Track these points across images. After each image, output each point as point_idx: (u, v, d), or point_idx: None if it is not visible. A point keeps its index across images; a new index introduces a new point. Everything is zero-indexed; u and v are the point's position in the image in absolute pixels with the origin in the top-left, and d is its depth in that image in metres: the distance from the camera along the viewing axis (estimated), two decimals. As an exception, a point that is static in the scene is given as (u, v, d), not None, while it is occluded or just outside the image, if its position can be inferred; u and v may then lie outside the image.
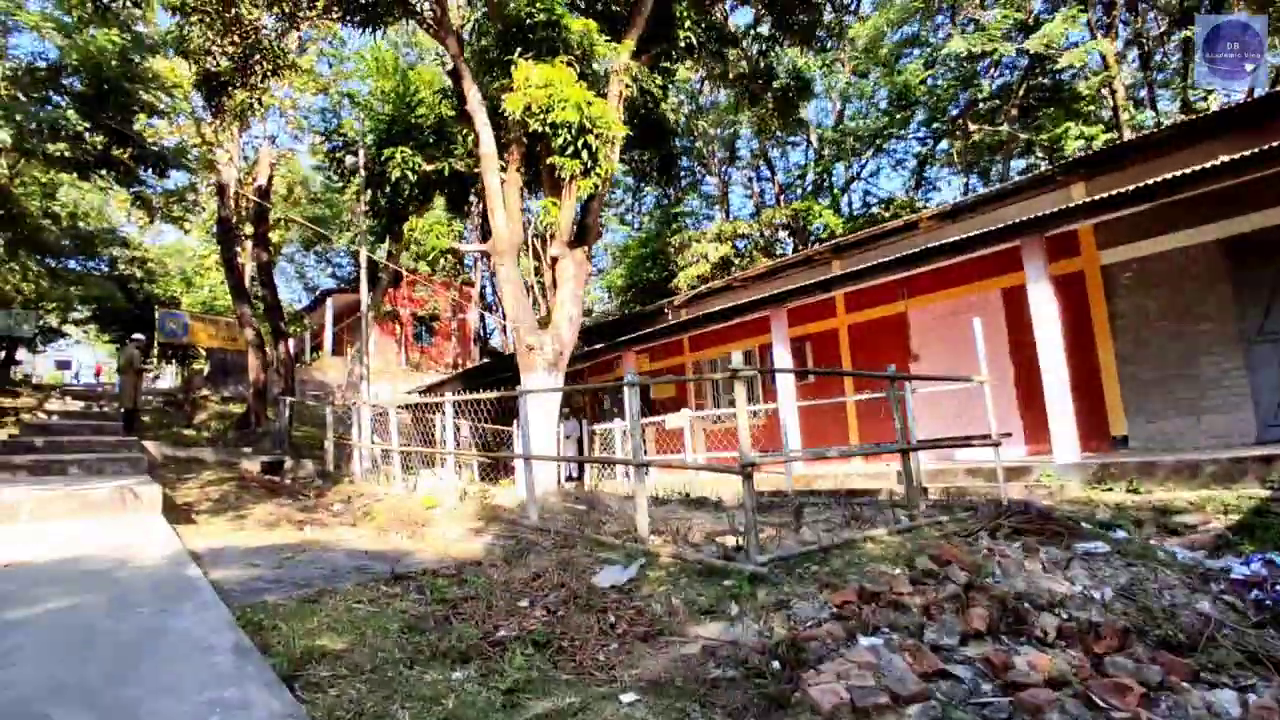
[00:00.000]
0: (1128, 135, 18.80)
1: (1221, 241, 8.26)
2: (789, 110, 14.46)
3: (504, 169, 10.22)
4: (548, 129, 9.02)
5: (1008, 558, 4.28)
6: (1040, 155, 20.32)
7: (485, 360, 35.58)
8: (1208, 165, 6.71)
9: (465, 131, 10.93)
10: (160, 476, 9.81)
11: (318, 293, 39.10)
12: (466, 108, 9.89)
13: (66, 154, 16.74)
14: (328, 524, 7.80)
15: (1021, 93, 21.98)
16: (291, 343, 15.03)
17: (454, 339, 35.76)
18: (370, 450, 12.14)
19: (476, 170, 10.39)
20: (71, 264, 31.64)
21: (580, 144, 9.04)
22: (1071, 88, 20.62)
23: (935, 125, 23.67)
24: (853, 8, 23.64)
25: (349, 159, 13.99)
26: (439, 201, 13.39)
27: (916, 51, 24.17)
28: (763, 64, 14.02)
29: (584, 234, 10.24)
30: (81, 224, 31.04)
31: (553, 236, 9.96)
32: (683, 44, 11.14)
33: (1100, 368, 9.23)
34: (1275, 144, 6.28)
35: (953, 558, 4.13)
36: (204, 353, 25.74)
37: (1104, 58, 18.82)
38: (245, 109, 11.62)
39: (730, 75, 14.33)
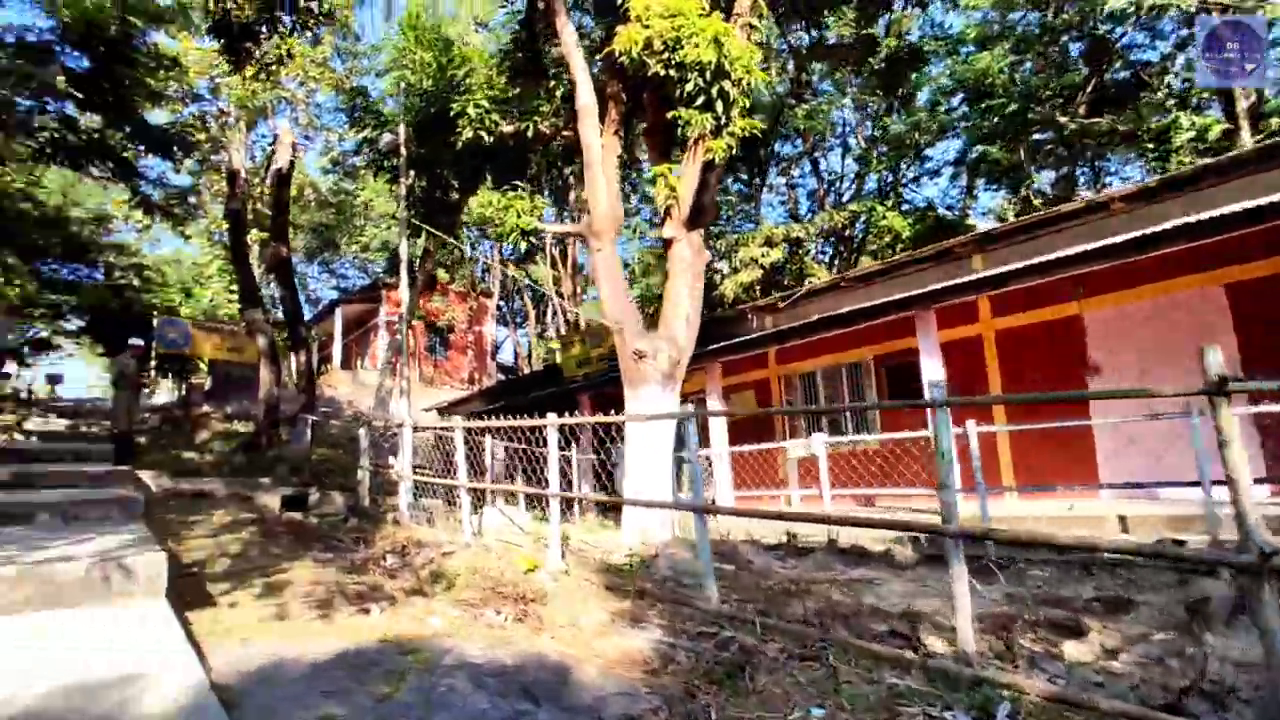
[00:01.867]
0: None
1: None
2: (897, 80, 12.43)
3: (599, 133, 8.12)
4: (672, 72, 6.92)
5: None
6: (1148, 147, 18.25)
7: (506, 377, 33.38)
8: None
9: (546, 89, 8.82)
10: (159, 521, 7.59)
11: (325, 303, 36.95)
12: (561, 48, 7.80)
13: (55, 134, 14.69)
14: (396, 598, 5.57)
15: (1095, 86, 20.08)
16: (304, 354, 12.84)
17: (470, 353, 33.56)
18: (410, 482, 9.92)
19: (565, 132, 8.28)
20: (63, 272, 29.57)
21: (715, 92, 6.94)
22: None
23: (1012, 117, 21.55)
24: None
25: (385, 137, 11.87)
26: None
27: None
28: (866, 29, 12.02)
29: (699, 213, 8.11)
30: (75, 228, 29.00)
31: (666, 216, 7.81)
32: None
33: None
34: None
35: None
36: (205, 365, 23.51)
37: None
38: (273, 61, 9.50)
39: (829, 43, 12.34)
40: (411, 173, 11.37)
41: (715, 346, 11.48)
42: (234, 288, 29.80)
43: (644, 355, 7.53)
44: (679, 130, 7.31)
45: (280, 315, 17.74)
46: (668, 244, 7.96)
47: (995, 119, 21.00)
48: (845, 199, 29.34)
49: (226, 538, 7.20)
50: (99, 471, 8.33)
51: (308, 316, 36.70)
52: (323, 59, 26.77)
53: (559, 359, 15.83)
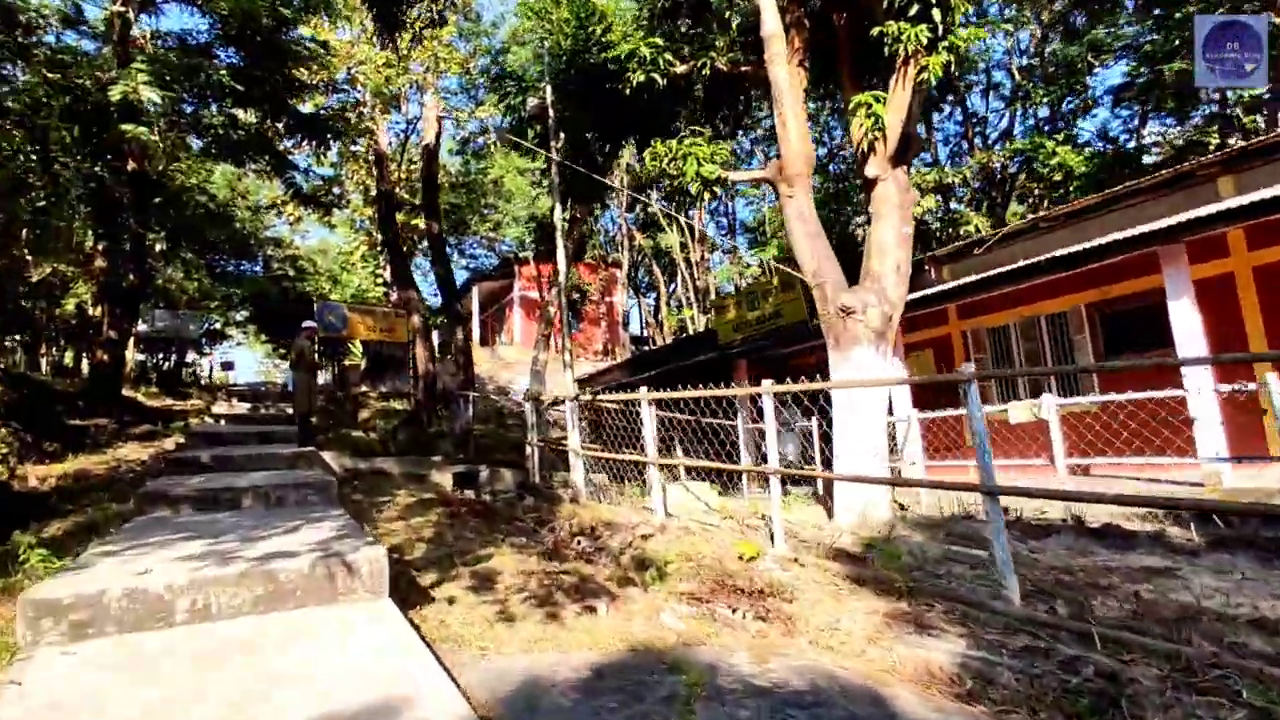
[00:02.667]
0: None
1: None
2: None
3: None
4: (878, -24, 5.86)
5: None
6: None
7: (637, 348, 33.06)
8: None
9: (720, 21, 7.93)
10: (350, 503, 7.48)
11: (460, 282, 37.95)
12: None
13: (219, 129, 15.26)
14: (613, 591, 5.03)
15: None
16: (461, 330, 12.71)
17: (602, 324, 33.45)
18: (583, 458, 9.49)
19: (744, 67, 7.38)
20: (230, 266, 31.74)
21: (929, -4, 5.84)
22: None
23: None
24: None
25: (530, 101, 11.40)
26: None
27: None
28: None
29: (905, 147, 7.02)
30: (238, 225, 30.96)
31: (868, 152, 6.78)
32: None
33: None
34: None
35: None
36: (359, 346, 24.48)
37: None
38: (426, 24, 9.17)
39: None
40: (560, 136, 10.83)
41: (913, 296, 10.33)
42: (379, 272, 31.00)
43: (852, 311, 6.61)
44: (885, 49, 6.26)
45: (431, 294, 18.08)
46: (869, 184, 6.93)
47: (1185, 30, 18.10)
48: (991, 142, 26.68)
49: (417, 520, 6.96)
50: (288, 453, 8.38)
51: (435, 303, 38.03)
52: (448, 41, 27.01)
53: (714, 324, 15.06)
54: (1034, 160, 20.10)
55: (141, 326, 21.04)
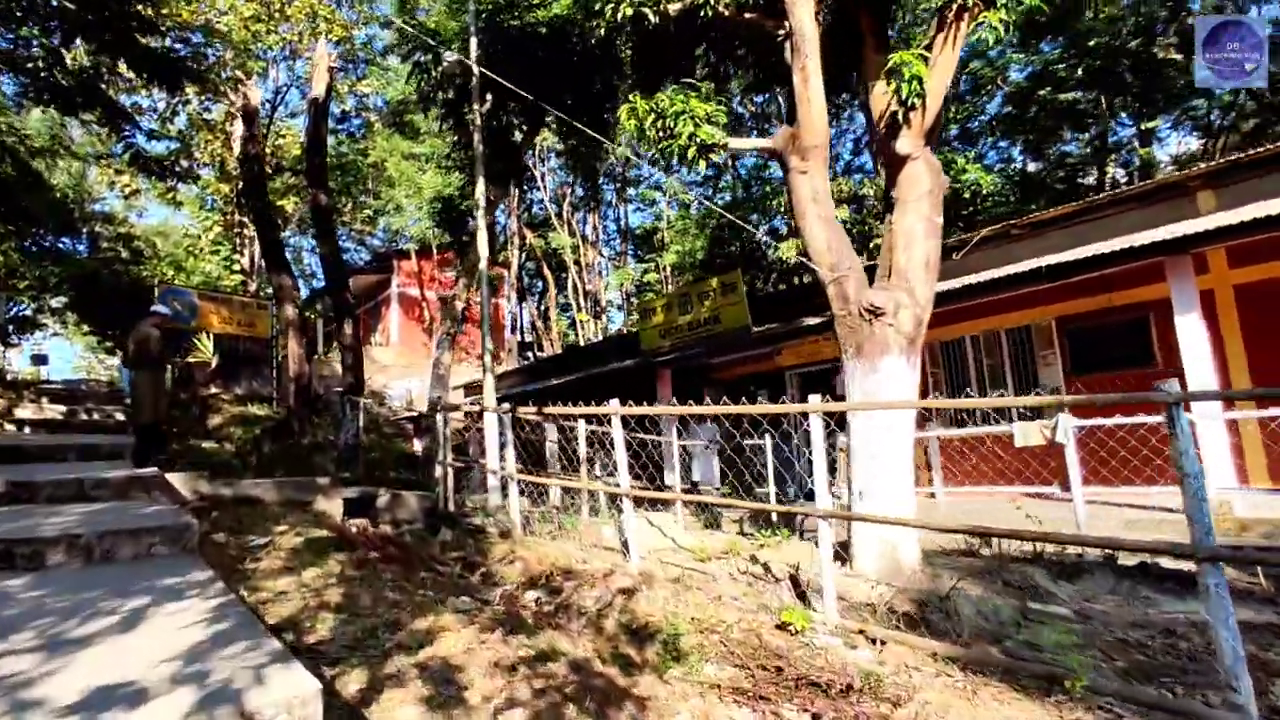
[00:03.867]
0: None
1: None
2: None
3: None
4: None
5: None
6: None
7: (541, 353, 31.18)
8: None
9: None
10: (210, 544, 5.50)
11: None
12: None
13: (37, 67, 12.32)
14: (628, 690, 3.54)
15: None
16: (350, 323, 10.63)
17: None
18: (515, 483, 7.86)
19: (748, 15, 6.09)
20: (47, 242, 27.01)
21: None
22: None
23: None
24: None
25: (447, 56, 9.64)
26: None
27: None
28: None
29: (937, 122, 5.99)
30: (57, 193, 26.46)
31: (899, 125, 5.66)
32: None
33: None
34: None
35: None
36: (206, 342, 21.13)
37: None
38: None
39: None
40: (487, 99, 9.14)
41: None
42: (233, 258, 27.40)
43: (881, 313, 5.46)
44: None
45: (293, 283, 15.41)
46: (895, 165, 5.83)
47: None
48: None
49: (312, 573, 5.12)
50: (118, 477, 6.22)
51: (304, 293, 34.21)
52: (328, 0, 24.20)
53: (636, 327, 13.70)
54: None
55: (-80, 307, 17.04)
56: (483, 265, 8.84)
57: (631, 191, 37.14)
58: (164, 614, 3.15)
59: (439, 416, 8.36)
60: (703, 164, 5.78)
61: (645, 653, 4.21)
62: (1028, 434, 7.37)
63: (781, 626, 4.26)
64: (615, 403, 5.71)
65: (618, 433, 5.74)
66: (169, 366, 8.71)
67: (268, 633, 3.06)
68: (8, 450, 7.37)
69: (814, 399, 4.33)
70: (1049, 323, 9.63)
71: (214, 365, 20.27)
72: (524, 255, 34.28)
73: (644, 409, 5.77)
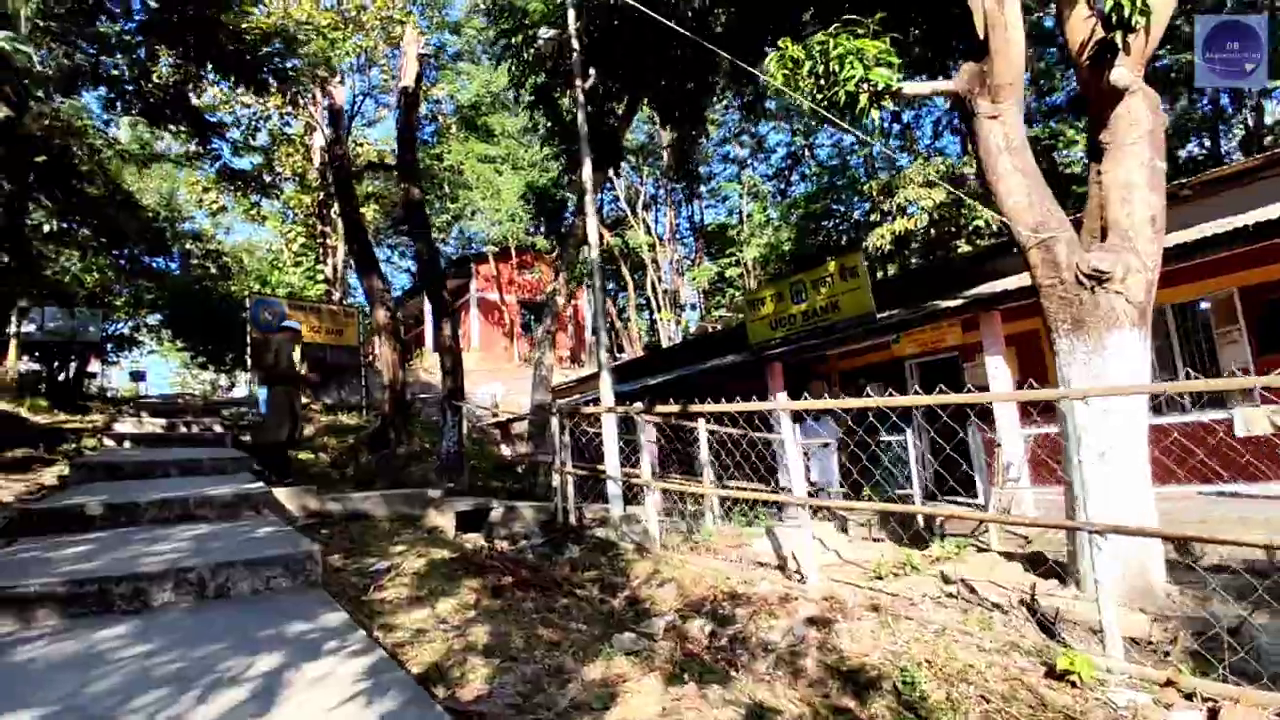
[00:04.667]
0: None
1: None
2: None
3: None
4: None
5: None
6: None
7: (625, 355, 30.57)
8: None
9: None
10: (328, 569, 4.85)
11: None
12: None
13: (124, 79, 12.28)
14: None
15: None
16: (449, 324, 10.04)
17: (570, 328, 30.87)
18: (656, 492, 7.07)
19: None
20: (141, 261, 27.84)
21: None
22: None
23: None
24: None
25: (545, 32, 8.94)
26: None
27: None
28: None
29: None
30: (149, 212, 27.23)
31: (1106, 52, 4.58)
32: None
33: None
34: None
35: None
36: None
37: None
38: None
39: None
40: (590, 73, 8.39)
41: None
42: (318, 268, 27.67)
43: (1106, 279, 4.42)
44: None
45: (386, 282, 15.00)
46: (1105, 100, 4.74)
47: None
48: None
49: (446, 605, 4.40)
50: (225, 494, 5.66)
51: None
52: (403, 4, 24.12)
53: (745, 320, 12.76)
54: (1052, 150, 18.66)
55: (28, 327, 17.48)
56: (594, 254, 8.08)
57: (703, 188, 36.23)
58: (303, 680, 2.42)
59: (554, 421, 7.63)
60: (874, 111, 4.84)
61: (871, 707, 3.31)
62: (1252, 421, 6.14)
63: (1056, 674, 3.29)
64: (783, 396, 4.82)
65: (787, 432, 4.86)
66: (303, 386, 8.38)
67: (433, 703, 2.30)
68: (112, 466, 6.98)
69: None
70: (1229, 295, 8.26)
71: (305, 376, 20.28)
72: (602, 255, 33.81)
73: (820, 403, 4.85)
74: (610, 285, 38.34)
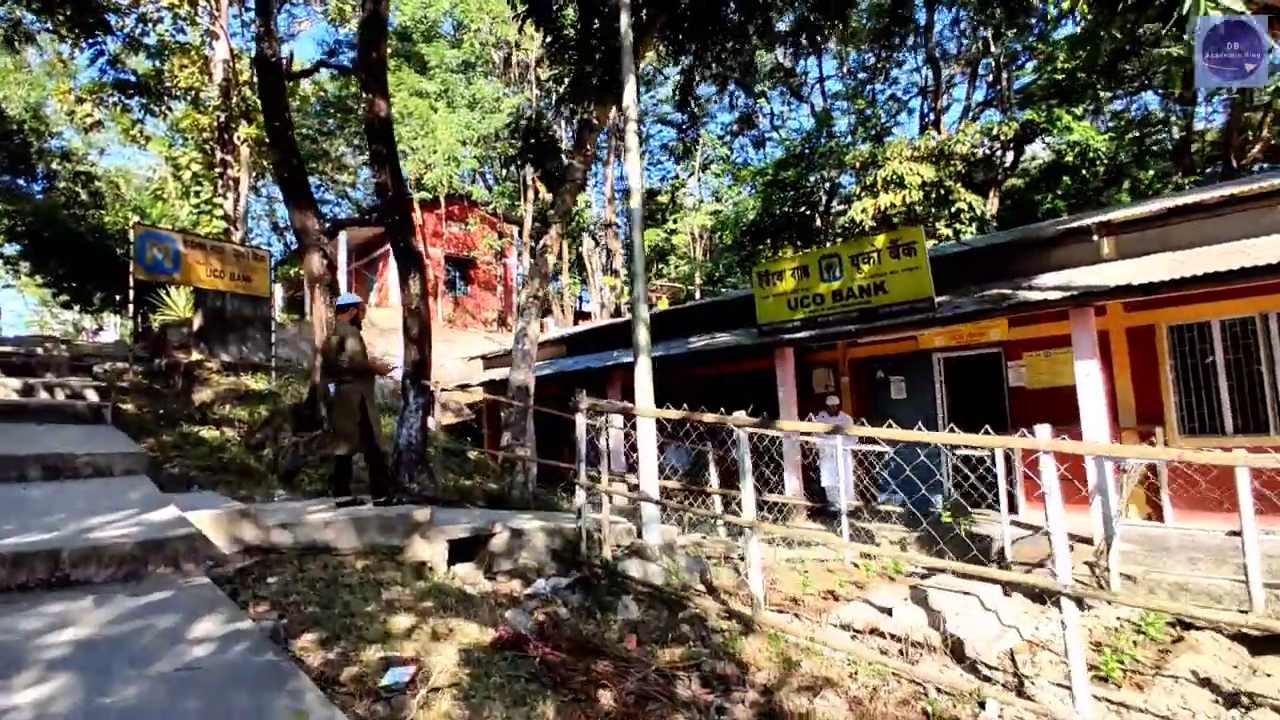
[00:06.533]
0: None
1: None
2: None
3: None
4: None
5: None
6: None
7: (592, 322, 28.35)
8: None
9: None
10: (309, 672, 2.86)
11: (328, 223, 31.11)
12: None
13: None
14: None
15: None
16: (415, 284, 7.87)
17: (499, 289, 28.45)
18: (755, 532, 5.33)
19: None
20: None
21: None
22: None
23: None
24: None
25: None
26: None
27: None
28: None
29: None
30: (11, 123, 22.94)
31: None
32: None
33: None
34: None
35: None
36: (178, 296, 17.88)
37: None
38: None
39: None
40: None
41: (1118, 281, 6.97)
42: (213, 202, 24.01)
43: None
44: None
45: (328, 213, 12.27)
46: None
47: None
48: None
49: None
50: (125, 545, 3.57)
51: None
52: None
53: (744, 292, 11.08)
54: (1044, 134, 17.84)
55: None
56: (635, 203, 6.16)
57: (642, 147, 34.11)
58: None
59: (579, 419, 5.75)
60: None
61: None
62: None
63: None
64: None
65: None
66: (375, 377, 6.30)
67: None
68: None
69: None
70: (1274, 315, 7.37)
71: (196, 326, 17.15)
72: (536, 211, 31.23)
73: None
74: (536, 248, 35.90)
